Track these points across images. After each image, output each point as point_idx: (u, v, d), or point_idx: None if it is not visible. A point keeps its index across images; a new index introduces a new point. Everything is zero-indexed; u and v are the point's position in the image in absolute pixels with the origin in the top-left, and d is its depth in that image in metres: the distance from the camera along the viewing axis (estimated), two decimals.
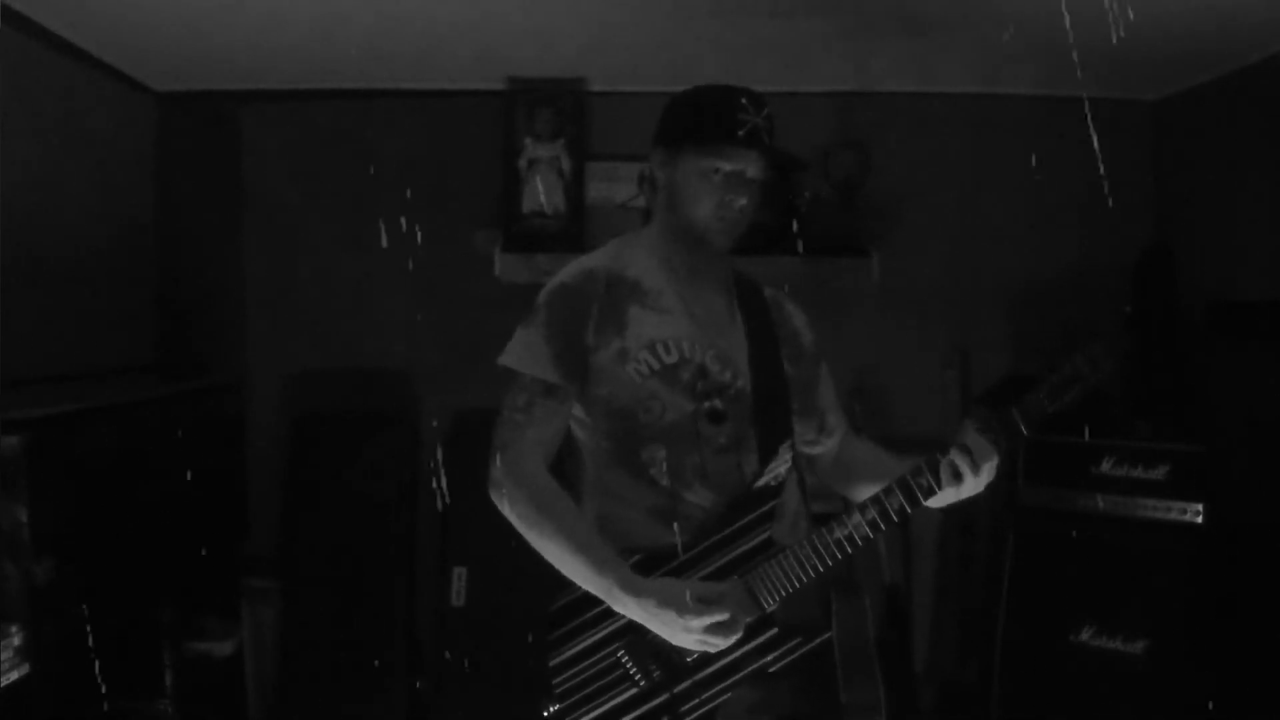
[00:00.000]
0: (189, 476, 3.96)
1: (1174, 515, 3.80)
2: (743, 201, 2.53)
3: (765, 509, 2.50)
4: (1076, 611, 3.85)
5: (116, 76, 4.29)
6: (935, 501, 2.48)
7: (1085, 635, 3.85)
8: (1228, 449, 3.79)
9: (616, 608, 2.42)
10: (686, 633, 2.38)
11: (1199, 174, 4.53)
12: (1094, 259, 4.57)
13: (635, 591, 2.40)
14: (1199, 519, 3.76)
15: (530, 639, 2.61)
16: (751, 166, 2.53)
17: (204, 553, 4.04)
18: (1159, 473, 3.84)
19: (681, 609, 2.37)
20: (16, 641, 2.94)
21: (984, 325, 4.67)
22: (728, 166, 2.51)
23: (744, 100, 2.51)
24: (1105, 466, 3.91)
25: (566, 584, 2.48)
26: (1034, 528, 4.01)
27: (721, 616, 2.38)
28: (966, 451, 2.42)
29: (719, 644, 2.40)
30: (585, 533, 2.47)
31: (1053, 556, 3.92)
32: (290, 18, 3.77)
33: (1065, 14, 3.41)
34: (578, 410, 2.56)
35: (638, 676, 2.47)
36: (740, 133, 2.49)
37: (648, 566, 2.47)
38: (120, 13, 3.69)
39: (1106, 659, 3.81)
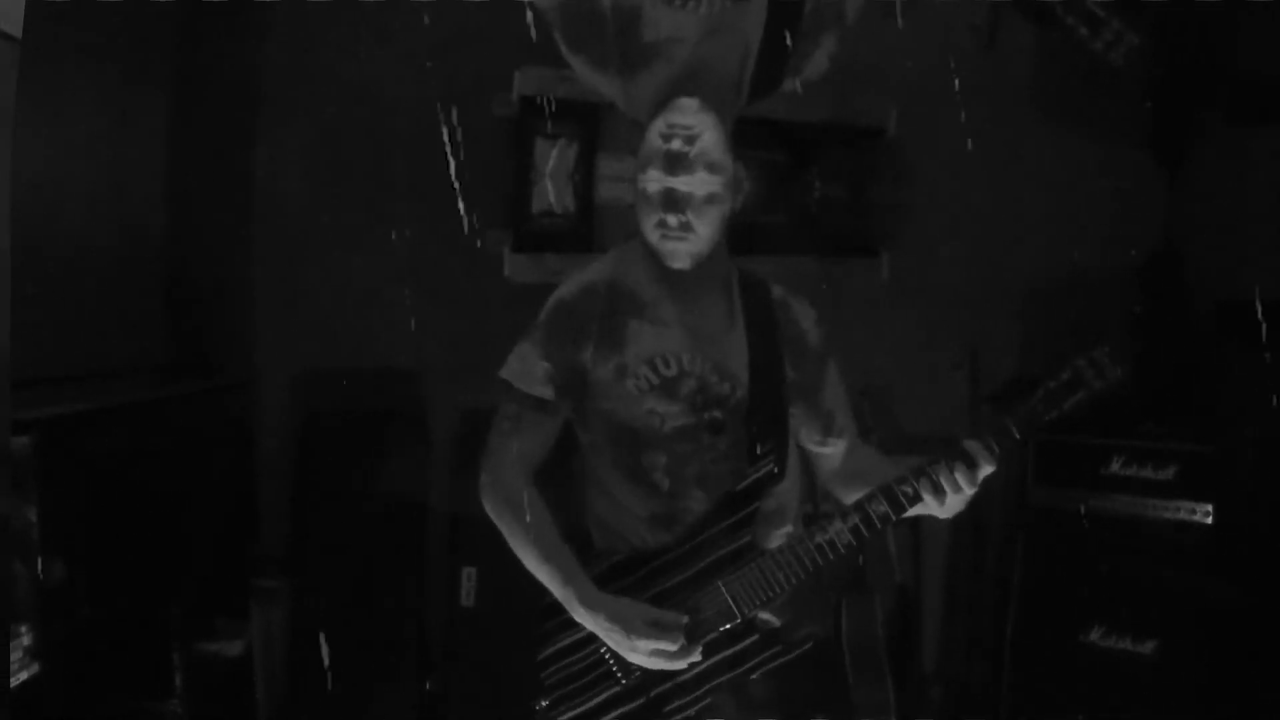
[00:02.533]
0: (198, 476, 3.96)
1: (1183, 515, 3.80)
2: (682, 218, 2.52)
3: (745, 513, 2.51)
4: (1086, 612, 3.85)
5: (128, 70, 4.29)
6: (920, 510, 2.48)
7: (1095, 635, 3.85)
8: (1237, 449, 3.79)
9: (576, 618, 2.46)
10: (633, 651, 2.41)
11: (1209, 173, 4.52)
12: (1104, 259, 4.56)
13: (590, 605, 2.44)
14: (1208, 519, 3.76)
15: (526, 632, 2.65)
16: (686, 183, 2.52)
17: (213, 553, 4.04)
18: (1168, 473, 3.83)
19: (629, 630, 2.40)
20: (26, 641, 2.94)
21: (994, 325, 4.67)
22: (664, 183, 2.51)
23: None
24: (1114, 467, 3.90)
25: None
26: (1043, 528, 4.01)
27: (668, 645, 2.40)
28: (964, 458, 2.42)
29: (667, 665, 2.43)
30: (552, 543, 2.51)
31: (1062, 557, 3.92)
32: None
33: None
34: (580, 419, 2.59)
35: (619, 675, 2.50)
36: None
37: (628, 567, 2.50)
38: None
39: (1116, 659, 3.81)
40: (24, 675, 2.93)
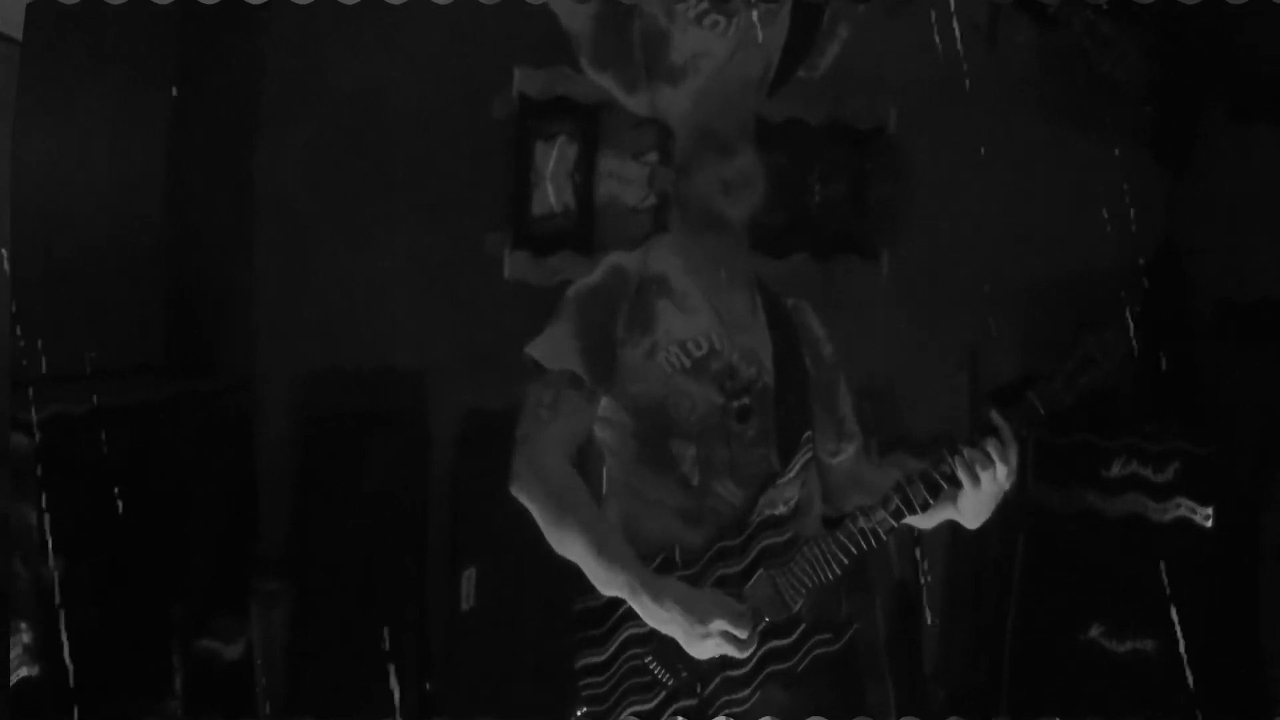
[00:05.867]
0: (199, 476, 3.96)
1: (1183, 516, 3.80)
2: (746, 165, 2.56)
3: (789, 504, 2.50)
4: (1086, 611, 3.85)
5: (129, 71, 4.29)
6: (950, 514, 2.47)
7: (1095, 635, 3.85)
8: (1238, 449, 3.79)
9: (636, 608, 2.42)
10: (704, 639, 2.37)
11: (1210, 172, 4.52)
12: (1104, 258, 4.56)
13: (655, 593, 2.39)
14: (1208, 520, 3.76)
15: (553, 641, 2.61)
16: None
17: (214, 553, 4.04)
18: (1169, 473, 3.83)
19: (701, 616, 2.36)
20: (26, 641, 2.94)
21: (994, 325, 4.67)
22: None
23: None
24: (1114, 467, 3.91)
25: (588, 586, 2.47)
26: (1043, 528, 4.01)
27: (740, 631, 2.37)
28: (994, 432, 2.40)
29: (734, 653, 2.40)
30: (606, 530, 2.46)
31: (1062, 556, 3.92)
32: None
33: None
34: (604, 409, 2.56)
35: (666, 678, 2.47)
36: None
37: (670, 569, 2.47)
38: None
39: (1116, 659, 3.81)
40: (24, 675, 2.93)
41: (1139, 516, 3.85)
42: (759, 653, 2.44)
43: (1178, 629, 3.70)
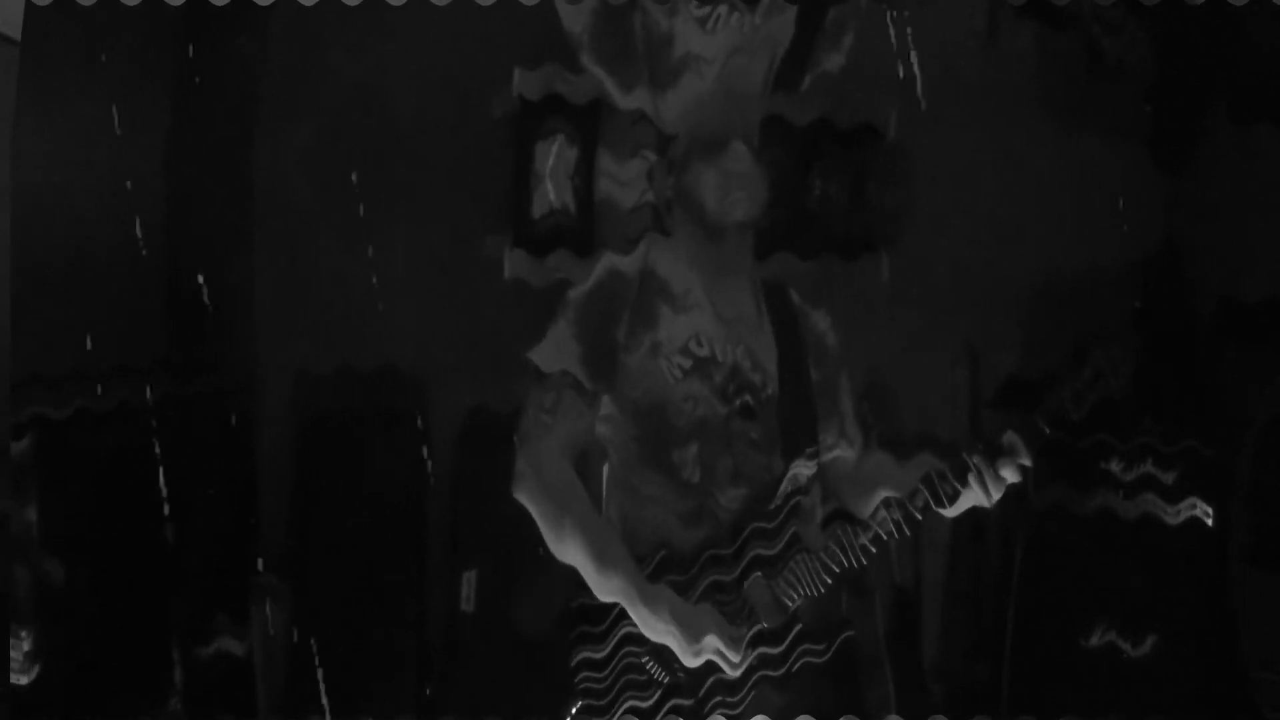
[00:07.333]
0: (198, 476, 3.96)
1: (1184, 516, 3.80)
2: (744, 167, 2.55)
3: (790, 508, 2.51)
4: (1087, 612, 3.85)
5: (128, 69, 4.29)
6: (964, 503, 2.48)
7: (1095, 635, 3.85)
8: (1238, 449, 3.79)
9: (633, 616, 2.43)
10: (699, 653, 2.39)
11: (1211, 170, 4.51)
12: (1104, 258, 4.55)
13: (649, 602, 2.40)
14: (1209, 519, 3.76)
15: (554, 642, 2.62)
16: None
17: (214, 553, 4.04)
18: (1169, 473, 3.83)
19: (696, 633, 2.38)
20: (26, 644, 2.94)
21: (994, 324, 4.66)
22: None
23: None
24: (1115, 467, 3.90)
25: (585, 582, 2.48)
26: (1044, 527, 4.00)
27: (733, 654, 2.39)
28: (1003, 452, 2.41)
29: (726, 668, 2.41)
30: (605, 535, 2.48)
31: (1062, 556, 3.92)
32: None
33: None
34: (608, 410, 2.57)
35: (661, 677, 2.48)
36: None
37: (670, 566, 2.48)
38: None
39: (1117, 659, 3.81)
40: (24, 678, 2.93)
41: (1139, 516, 3.85)
42: (755, 654, 2.45)
43: (1178, 630, 3.71)
